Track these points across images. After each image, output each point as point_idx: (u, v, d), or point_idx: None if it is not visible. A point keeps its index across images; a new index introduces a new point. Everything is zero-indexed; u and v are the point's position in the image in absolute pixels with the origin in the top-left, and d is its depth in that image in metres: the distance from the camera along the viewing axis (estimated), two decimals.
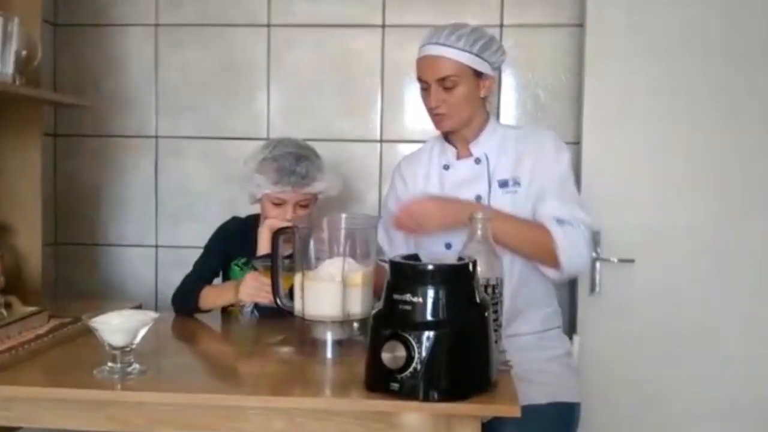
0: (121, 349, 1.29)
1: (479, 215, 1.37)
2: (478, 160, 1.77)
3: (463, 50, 1.69)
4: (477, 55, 1.70)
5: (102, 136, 2.54)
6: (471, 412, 1.18)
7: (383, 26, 2.43)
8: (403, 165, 1.92)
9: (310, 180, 1.80)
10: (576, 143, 2.32)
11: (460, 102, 1.72)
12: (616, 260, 2.20)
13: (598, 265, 2.20)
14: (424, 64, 1.73)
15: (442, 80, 1.70)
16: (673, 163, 2.21)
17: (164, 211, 2.54)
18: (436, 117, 1.75)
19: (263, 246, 1.79)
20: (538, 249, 1.65)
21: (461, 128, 1.77)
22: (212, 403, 1.24)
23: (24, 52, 1.78)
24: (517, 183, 1.73)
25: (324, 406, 1.23)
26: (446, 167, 1.81)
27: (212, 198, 2.47)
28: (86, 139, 2.55)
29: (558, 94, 2.39)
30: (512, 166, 1.74)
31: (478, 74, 1.72)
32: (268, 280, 1.62)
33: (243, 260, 1.87)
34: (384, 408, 1.19)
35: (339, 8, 2.43)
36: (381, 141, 2.46)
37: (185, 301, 1.75)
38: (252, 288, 1.68)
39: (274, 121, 2.48)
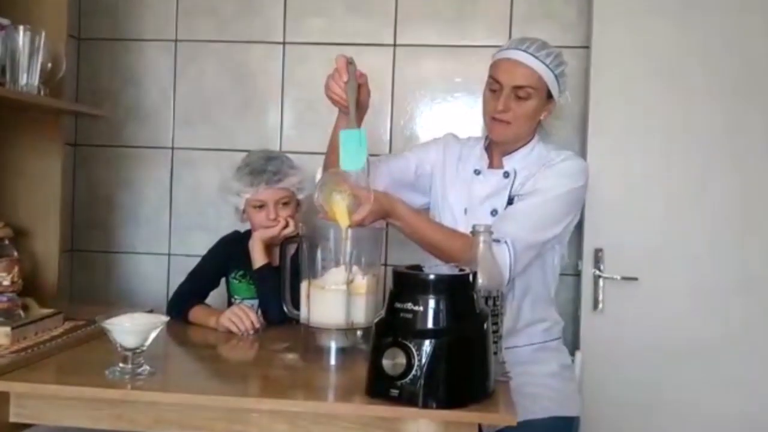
0: (133, 350, 1.34)
1: (481, 228, 1.41)
2: (506, 174, 1.76)
3: (548, 67, 1.68)
4: (557, 77, 1.70)
5: (120, 146, 2.61)
6: (468, 419, 1.21)
7: (394, 45, 2.49)
8: (451, 140, 1.91)
9: (282, 176, 1.88)
10: None
11: (526, 115, 1.70)
12: (619, 278, 2.22)
13: (601, 282, 2.23)
14: (506, 66, 1.70)
15: (518, 88, 1.67)
16: (677, 182, 2.23)
17: (177, 221, 2.60)
18: (496, 123, 1.71)
19: (257, 258, 1.86)
20: (450, 257, 1.58)
21: (511, 143, 1.76)
22: (218, 405, 1.28)
23: (49, 65, 1.84)
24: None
25: (326, 410, 1.27)
26: (477, 172, 1.80)
27: (224, 209, 2.52)
28: (105, 149, 2.62)
29: (564, 114, 2.43)
30: (525, 179, 1.73)
31: (549, 96, 1.72)
32: (249, 311, 1.74)
33: (240, 272, 1.93)
34: (383, 413, 1.22)
35: (352, 27, 2.49)
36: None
37: (177, 313, 1.82)
38: (232, 315, 1.75)
39: (286, 134, 2.53)
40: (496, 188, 1.76)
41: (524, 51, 1.68)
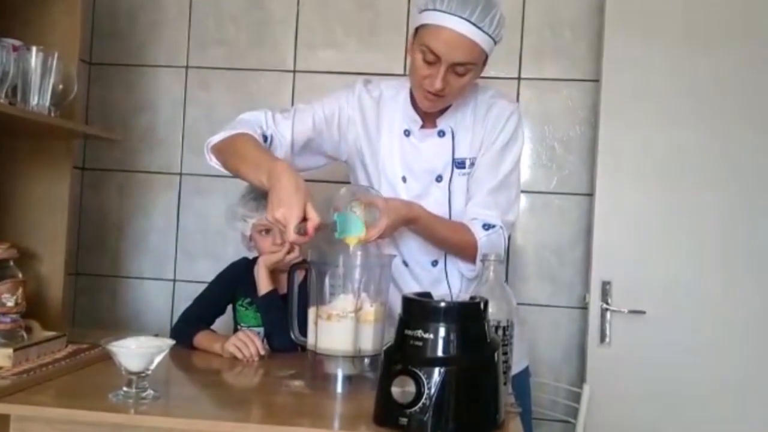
0: (137, 374, 1.31)
1: (492, 257, 1.40)
2: (441, 133, 1.65)
3: (491, 36, 1.50)
4: (496, 43, 1.54)
5: (128, 171, 2.62)
6: None
7: (405, 75, 2.50)
8: (363, 93, 1.71)
9: None
10: (589, 195, 2.36)
11: (462, 88, 1.56)
12: (626, 311, 2.21)
13: (608, 315, 2.22)
14: (445, 38, 1.47)
15: (458, 64, 1.50)
16: (685, 216, 2.23)
17: (183, 247, 2.59)
18: (431, 96, 1.56)
19: (262, 284, 1.84)
20: (461, 251, 1.64)
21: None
22: (222, 431, 1.25)
23: (60, 87, 1.85)
24: (472, 164, 1.65)
25: None
26: (407, 133, 1.68)
27: (230, 236, 2.52)
28: (112, 173, 2.63)
29: (572, 147, 2.44)
30: (470, 142, 1.65)
31: (485, 60, 1.56)
32: (254, 338, 1.72)
33: (247, 300, 1.91)
34: None
35: (362, 57, 2.52)
36: None
37: (183, 338, 1.77)
38: (237, 341, 1.72)
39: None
40: (434, 151, 1.66)
41: (466, 20, 1.46)
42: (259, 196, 1.87)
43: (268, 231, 1.86)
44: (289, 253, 1.84)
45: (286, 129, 1.66)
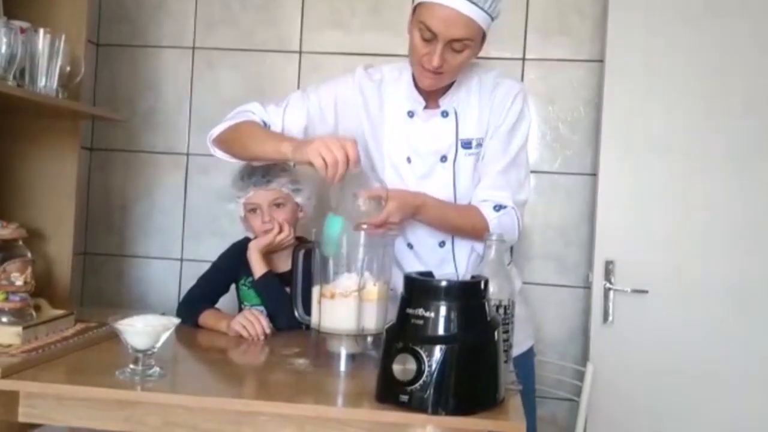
0: (144, 352, 1.34)
1: (494, 237, 1.41)
2: (445, 113, 1.65)
3: (487, 12, 1.50)
4: (493, 20, 1.54)
5: (135, 152, 2.63)
6: (478, 427, 1.19)
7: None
8: (364, 78, 1.72)
9: (272, 177, 1.84)
10: (593, 174, 2.36)
11: (460, 66, 1.56)
12: (629, 290, 2.22)
13: (611, 294, 2.22)
14: (442, 15, 1.47)
15: (455, 41, 1.50)
16: (689, 195, 2.23)
17: (190, 226, 2.61)
18: (430, 74, 1.56)
19: (256, 268, 1.84)
20: (473, 235, 1.65)
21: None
22: (227, 408, 1.27)
23: (68, 68, 1.86)
24: (479, 144, 1.65)
25: (335, 415, 1.26)
26: (411, 114, 1.68)
27: (236, 216, 2.53)
28: (120, 154, 2.64)
29: (576, 127, 2.44)
30: (476, 123, 1.65)
31: (483, 37, 1.56)
32: (260, 316, 1.73)
33: (250, 279, 1.92)
34: (393, 419, 1.21)
35: (369, 38, 2.51)
36: None
37: (188, 317, 1.79)
38: (243, 319, 1.74)
39: None
40: (438, 131, 1.66)
41: None
42: (245, 174, 1.87)
43: (255, 210, 1.87)
44: (280, 233, 1.84)
45: (277, 118, 1.70)
